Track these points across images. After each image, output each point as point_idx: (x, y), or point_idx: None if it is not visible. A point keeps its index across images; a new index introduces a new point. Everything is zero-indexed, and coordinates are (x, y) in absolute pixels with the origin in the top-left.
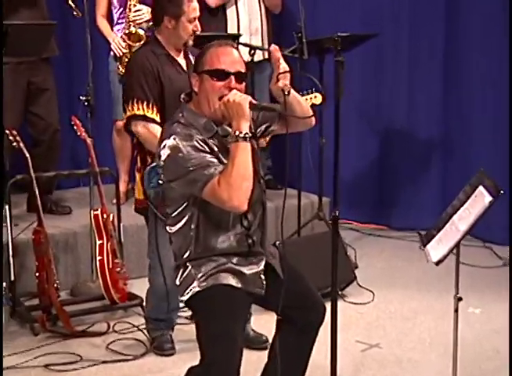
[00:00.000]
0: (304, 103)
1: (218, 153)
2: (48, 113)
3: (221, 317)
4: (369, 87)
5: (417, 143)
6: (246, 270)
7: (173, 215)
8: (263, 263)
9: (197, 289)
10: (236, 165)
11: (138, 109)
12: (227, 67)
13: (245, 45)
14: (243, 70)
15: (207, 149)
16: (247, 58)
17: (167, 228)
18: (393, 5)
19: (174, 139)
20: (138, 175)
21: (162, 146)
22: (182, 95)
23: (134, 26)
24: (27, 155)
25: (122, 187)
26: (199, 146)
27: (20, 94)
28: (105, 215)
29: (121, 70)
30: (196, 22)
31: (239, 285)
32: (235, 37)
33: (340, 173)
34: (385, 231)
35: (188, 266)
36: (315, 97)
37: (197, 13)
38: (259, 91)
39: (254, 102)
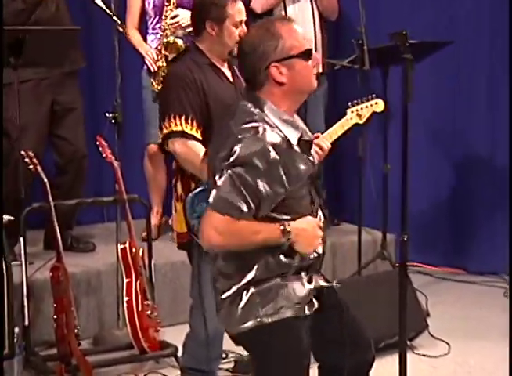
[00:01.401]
0: None
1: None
2: (76, 137)
3: (294, 361)
4: (443, 104)
5: (500, 171)
6: (308, 289)
7: None
8: (318, 280)
9: (263, 320)
10: (254, 239)
11: (176, 125)
12: (309, 44)
13: None
14: None
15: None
16: None
17: None
18: (471, 9)
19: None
20: (178, 205)
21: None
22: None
23: (171, 34)
24: (45, 180)
25: (154, 220)
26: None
27: (44, 115)
28: (134, 250)
29: (156, 86)
30: (243, 26)
31: (304, 312)
32: None
33: (408, 206)
34: (462, 275)
35: (250, 290)
36: (376, 104)
37: (243, 16)
38: (313, 114)
39: None
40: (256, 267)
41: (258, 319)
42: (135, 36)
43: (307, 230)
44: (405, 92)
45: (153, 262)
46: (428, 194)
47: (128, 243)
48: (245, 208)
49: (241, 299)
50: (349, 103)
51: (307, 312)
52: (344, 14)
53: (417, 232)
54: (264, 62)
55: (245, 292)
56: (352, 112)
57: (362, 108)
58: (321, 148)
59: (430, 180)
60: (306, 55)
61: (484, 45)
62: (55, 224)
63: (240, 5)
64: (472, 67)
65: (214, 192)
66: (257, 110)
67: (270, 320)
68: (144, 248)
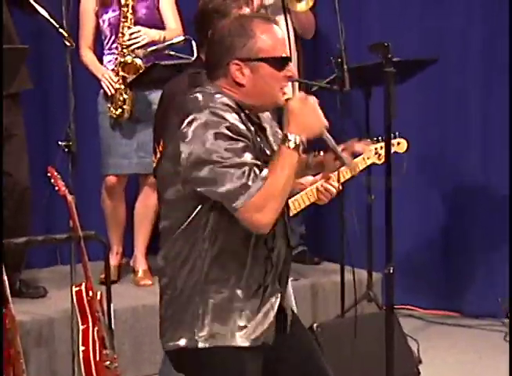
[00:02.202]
0: None
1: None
2: (16, 167)
3: None
4: (431, 127)
5: (496, 203)
6: (261, 314)
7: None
8: (277, 304)
9: (200, 344)
10: (286, 175)
11: None
12: (286, 53)
13: None
14: None
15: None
16: None
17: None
18: (460, 21)
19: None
20: None
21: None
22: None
23: (129, 53)
24: None
25: (113, 261)
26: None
27: None
28: (90, 293)
29: (114, 111)
30: None
31: (253, 343)
32: None
33: (395, 242)
34: (456, 319)
35: (193, 298)
36: (399, 144)
37: None
38: None
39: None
40: (202, 269)
41: (195, 341)
42: (88, 56)
43: (304, 115)
44: (388, 109)
45: (112, 307)
46: (417, 229)
47: (83, 285)
48: (252, 178)
49: (183, 307)
50: (368, 140)
51: (253, 343)
52: (321, 30)
53: (406, 271)
54: (227, 57)
55: (189, 298)
56: (370, 150)
57: (381, 147)
58: (327, 190)
59: (419, 212)
60: (277, 62)
61: (475, 60)
62: (2, 266)
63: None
64: (462, 84)
65: (215, 193)
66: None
67: (209, 345)
68: (102, 291)
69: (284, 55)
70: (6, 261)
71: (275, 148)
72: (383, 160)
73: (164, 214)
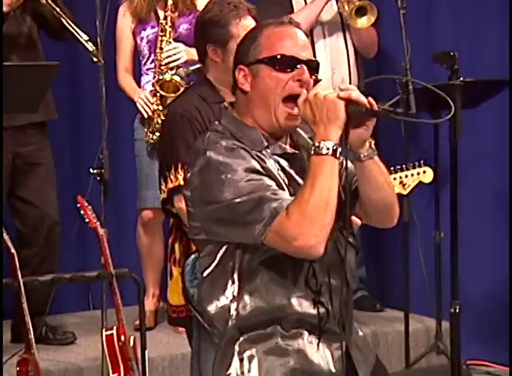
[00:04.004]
0: (390, 181)
1: (278, 175)
2: (43, 199)
3: None
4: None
5: None
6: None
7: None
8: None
9: None
10: (317, 188)
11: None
12: (295, 53)
13: None
14: (314, 59)
15: (260, 167)
16: None
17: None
18: None
19: (209, 152)
20: (175, 270)
21: (192, 171)
22: (225, 103)
23: (167, 71)
24: (13, 251)
25: (149, 305)
26: (249, 160)
27: (3, 171)
28: (122, 337)
29: (151, 136)
30: None
31: None
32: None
33: (466, 285)
34: None
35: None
36: (424, 172)
37: None
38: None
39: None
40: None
41: None
42: (125, 80)
43: (319, 113)
44: (453, 128)
45: (146, 355)
46: (494, 270)
47: (115, 329)
48: (273, 194)
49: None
50: (391, 168)
51: None
52: (384, 48)
53: (481, 321)
54: (236, 65)
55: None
56: (395, 179)
57: (406, 176)
58: None
59: (497, 253)
60: (279, 63)
61: None
62: (25, 306)
63: (247, 22)
64: None
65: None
66: (216, 123)
67: None
68: (136, 337)
69: (291, 54)
70: (30, 302)
71: None
72: (408, 190)
73: None
